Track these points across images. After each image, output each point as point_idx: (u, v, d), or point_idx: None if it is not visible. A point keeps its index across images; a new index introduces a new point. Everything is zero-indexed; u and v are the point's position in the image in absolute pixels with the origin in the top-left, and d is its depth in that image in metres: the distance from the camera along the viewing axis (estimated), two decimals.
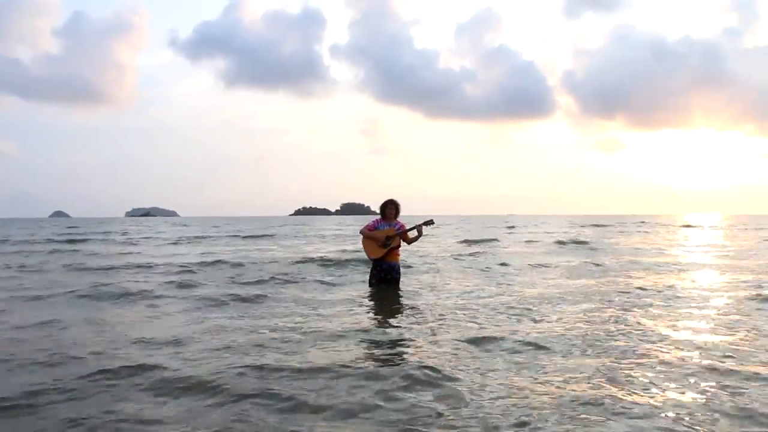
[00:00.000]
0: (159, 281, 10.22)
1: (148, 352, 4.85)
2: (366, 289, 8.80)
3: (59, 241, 26.55)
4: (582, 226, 43.67)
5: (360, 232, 8.58)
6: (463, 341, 5.12)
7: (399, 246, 8.43)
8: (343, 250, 17.20)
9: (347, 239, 25.37)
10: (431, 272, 11.69)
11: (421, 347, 4.99)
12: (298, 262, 13.58)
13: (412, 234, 8.28)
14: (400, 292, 8.40)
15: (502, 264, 13.30)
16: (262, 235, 30.48)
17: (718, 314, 6.45)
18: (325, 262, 13.31)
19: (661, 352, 4.68)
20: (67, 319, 6.49)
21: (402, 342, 5.25)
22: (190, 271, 11.88)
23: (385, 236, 8.27)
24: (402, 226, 8.34)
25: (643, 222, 56.53)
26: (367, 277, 9.02)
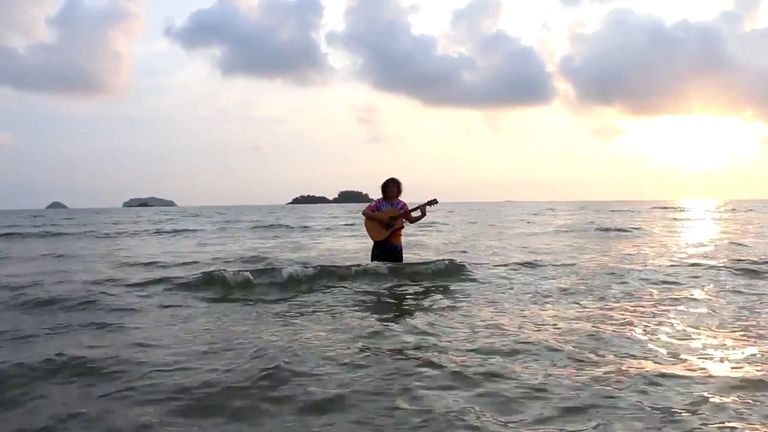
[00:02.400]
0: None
1: None
2: None
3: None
4: (613, 212, 41.78)
5: (363, 214, 8.48)
6: None
7: (402, 227, 8.36)
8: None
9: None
10: None
11: None
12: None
13: (416, 214, 8.22)
14: None
15: None
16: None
17: None
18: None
19: None
20: None
21: None
22: None
23: (389, 217, 8.19)
24: (404, 205, 8.26)
25: (667, 208, 53.51)
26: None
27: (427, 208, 8.11)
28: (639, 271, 8.92)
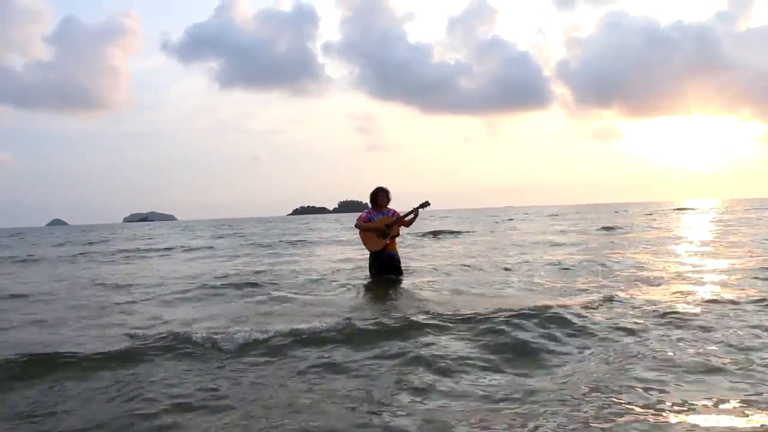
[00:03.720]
0: None
1: None
2: None
3: None
4: (649, 215, 38.48)
5: (356, 227, 8.30)
6: None
7: (398, 235, 8.27)
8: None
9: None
10: None
11: None
12: None
13: (409, 218, 8.15)
14: None
15: None
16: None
17: None
18: None
19: None
20: None
21: None
22: None
23: (384, 225, 8.08)
24: (395, 212, 8.18)
25: (680, 209, 51.89)
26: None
27: (420, 210, 8.09)
28: None
